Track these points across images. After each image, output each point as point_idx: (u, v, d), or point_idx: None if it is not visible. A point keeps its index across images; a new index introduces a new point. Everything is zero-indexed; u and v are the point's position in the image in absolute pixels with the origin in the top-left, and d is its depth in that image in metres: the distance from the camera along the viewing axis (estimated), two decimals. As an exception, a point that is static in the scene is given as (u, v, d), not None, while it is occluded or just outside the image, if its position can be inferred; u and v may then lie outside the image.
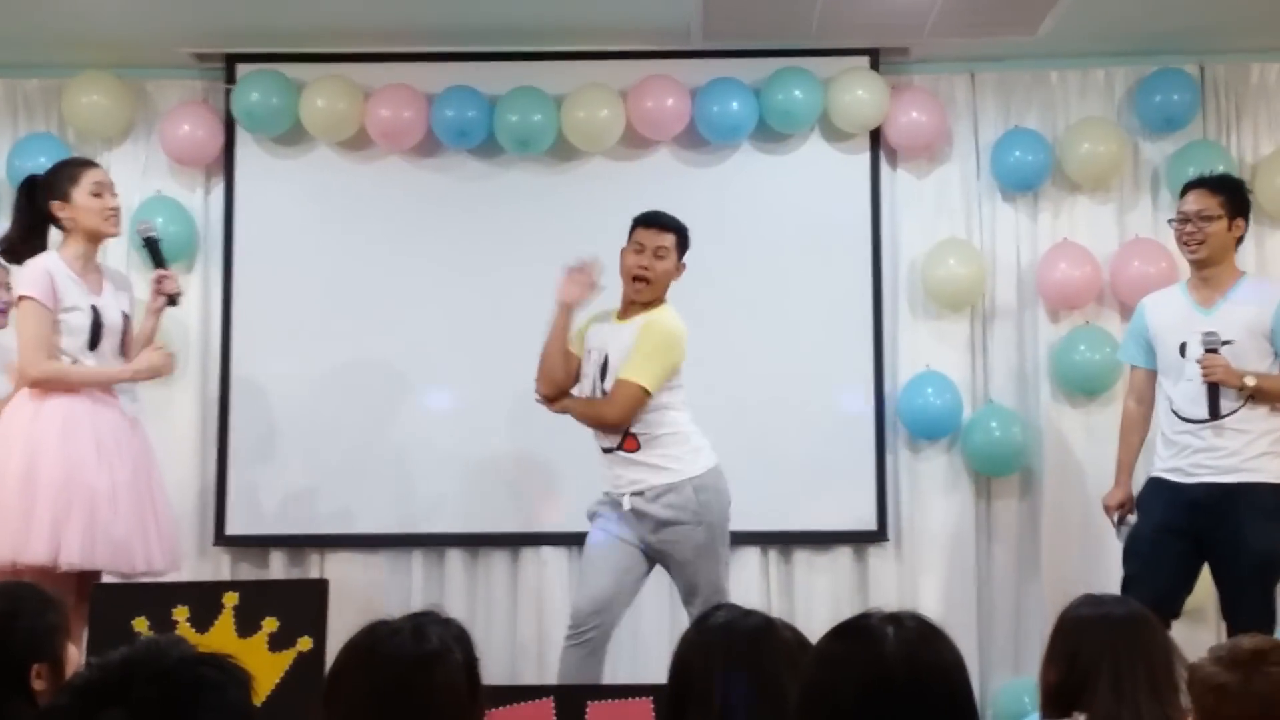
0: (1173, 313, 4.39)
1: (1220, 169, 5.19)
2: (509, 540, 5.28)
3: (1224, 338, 4.24)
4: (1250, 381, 4.17)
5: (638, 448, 4.26)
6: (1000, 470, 5.31)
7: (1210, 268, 4.33)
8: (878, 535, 5.30)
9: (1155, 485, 4.38)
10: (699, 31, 5.21)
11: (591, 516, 4.38)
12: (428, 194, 5.42)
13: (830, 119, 5.35)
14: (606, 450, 4.29)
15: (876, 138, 5.40)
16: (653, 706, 3.60)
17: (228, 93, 5.38)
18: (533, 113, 5.25)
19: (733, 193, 5.40)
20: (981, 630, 5.28)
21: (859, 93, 5.29)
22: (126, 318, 4.33)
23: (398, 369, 5.35)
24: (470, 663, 2.09)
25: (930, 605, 5.26)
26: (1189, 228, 4.31)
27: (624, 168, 5.40)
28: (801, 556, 5.34)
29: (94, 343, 4.18)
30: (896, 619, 1.70)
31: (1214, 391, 4.20)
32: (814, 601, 5.28)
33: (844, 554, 5.34)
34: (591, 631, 4.25)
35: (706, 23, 5.13)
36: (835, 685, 1.66)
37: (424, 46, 5.35)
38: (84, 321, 4.15)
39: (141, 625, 3.81)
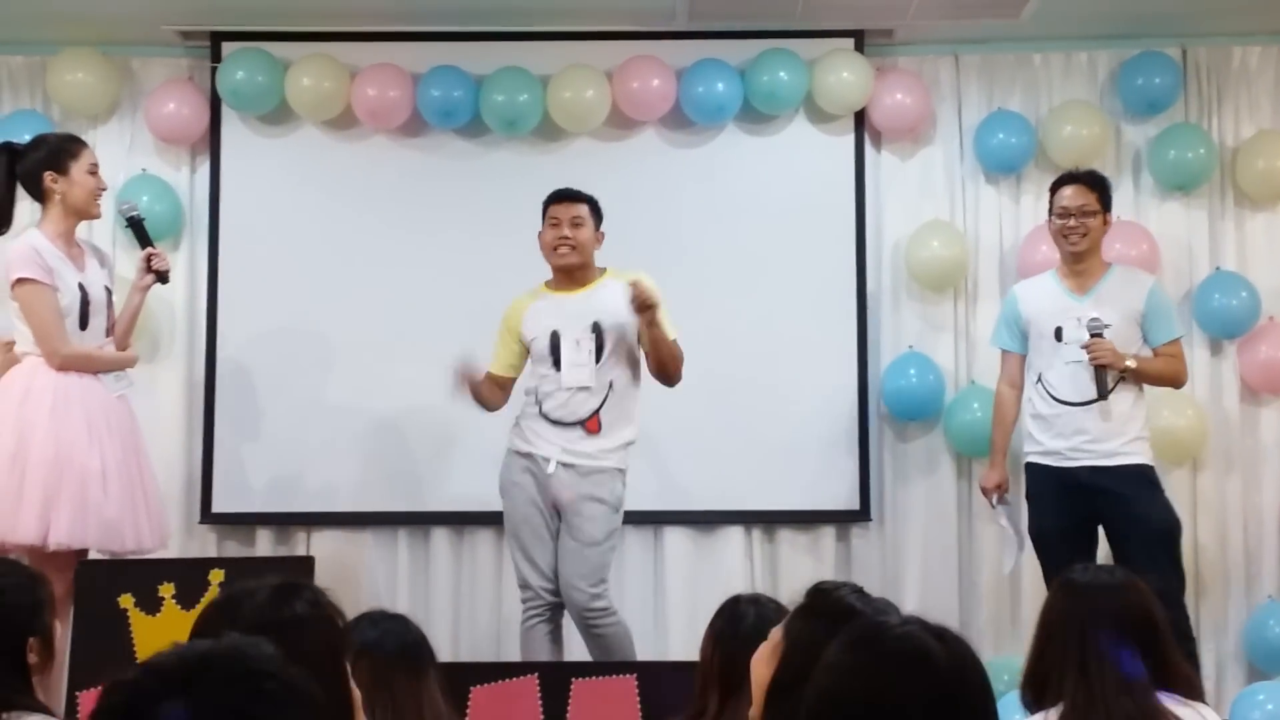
0: (1046, 299, 4.58)
1: (1202, 151, 5.27)
2: (494, 519, 5.28)
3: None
4: (1131, 364, 4.38)
5: (599, 430, 4.35)
6: (982, 451, 5.30)
7: (1086, 260, 4.54)
8: (861, 515, 5.34)
9: (1037, 473, 4.56)
10: (684, 12, 5.22)
11: (505, 485, 4.44)
12: (414, 173, 5.42)
13: (815, 100, 5.37)
14: (559, 423, 4.33)
15: (861, 119, 5.42)
16: (636, 684, 3.64)
17: (213, 71, 5.37)
18: (519, 93, 5.26)
19: (717, 174, 5.42)
20: (962, 609, 5.32)
21: (843, 74, 5.30)
22: (109, 292, 4.33)
23: (384, 347, 5.36)
24: None
25: (912, 584, 5.31)
26: (1072, 222, 4.51)
27: (609, 148, 5.41)
28: (785, 536, 5.37)
29: (84, 322, 4.18)
30: (939, 633, 1.52)
31: (1101, 373, 4.38)
32: (797, 581, 5.25)
33: (827, 534, 5.37)
34: (551, 605, 4.36)
35: (692, 4, 5.14)
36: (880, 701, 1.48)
37: (410, 26, 5.35)
38: (73, 301, 4.15)
39: (128, 602, 3.83)
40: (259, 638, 1.42)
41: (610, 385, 4.36)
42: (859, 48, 5.38)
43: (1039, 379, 4.55)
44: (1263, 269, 5.35)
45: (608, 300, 4.37)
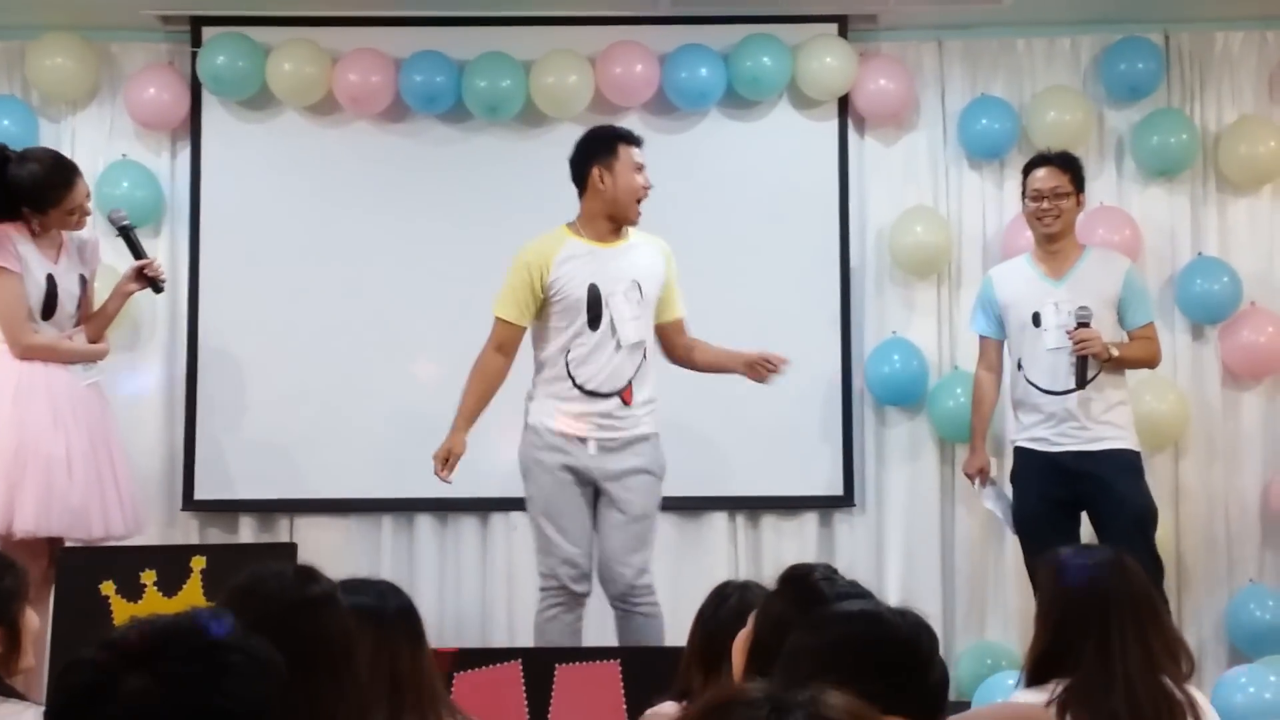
0: (1021, 284, 4.60)
1: (1184, 137, 5.29)
2: (479, 505, 5.29)
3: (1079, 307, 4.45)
4: (1115, 352, 4.41)
5: (632, 400, 4.19)
6: (965, 436, 5.32)
7: (1060, 241, 4.56)
8: (844, 501, 5.35)
9: (1024, 457, 4.59)
10: (667, -3, 5.21)
11: (530, 465, 4.18)
12: (396, 159, 5.40)
13: (798, 86, 5.36)
14: (595, 394, 4.12)
15: (844, 105, 5.41)
16: (620, 669, 3.64)
17: (193, 56, 5.34)
18: (501, 78, 5.24)
19: (701, 159, 5.41)
20: (945, 594, 5.33)
21: (827, 60, 5.30)
22: (84, 282, 4.29)
23: (366, 334, 5.34)
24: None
25: (896, 570, 5.32)
26: (1046, 204, 4.54)
27: (593, 134, 5.38)
28: (769, 522, 5.37)
29: (48, 313, 4.16)
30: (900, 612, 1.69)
31: (1082, 363, 4.40)
32: (781, 567, 5.23)
33: (811, 519, 5.38)
34: (574, 594, 4.15)
35: (675, -12, 5.13)
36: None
37: (392, 10, 5.33)
38: (38, 292, 4.13)
39: (109, 589, 3.82)
40: (223, 610, 1.41)
41: (644, 351, 4.21)
42: (842, 33, 5.38)
43: (1019, 365, 4.57)
44: (1245, 254, 5.36)
45: (641, 262, 4.22)
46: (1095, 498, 4.44)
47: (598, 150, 4.25)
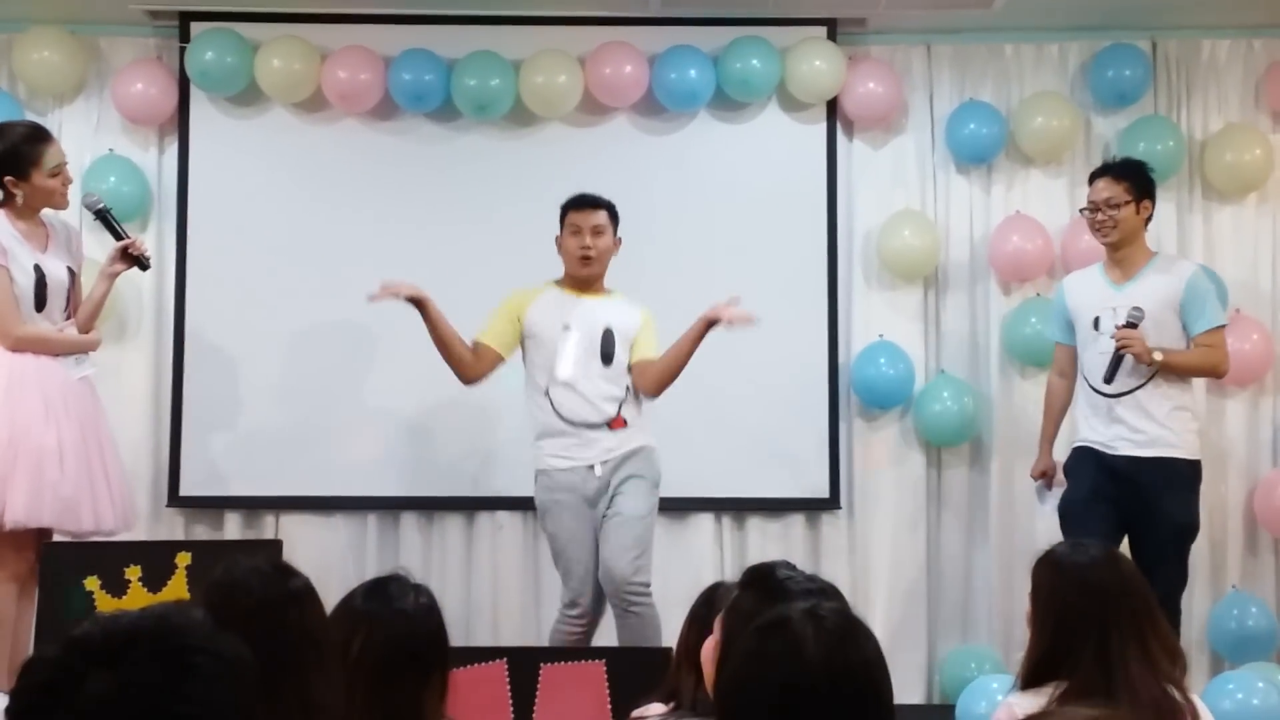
0: (1089, 291, 4.60)
1: (1171, 144, 5.31)
2: (464, 504, 5.29)
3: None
4: (1158, 356, 4.37)
5: (624, 426, 4.40)
6: (951, 440, 5.37)
7: (1124, 249, 4.54)
8: (830, 503, 5.35)
9: (1081, 453, 4.57)
10: (658, -1, 5.22)
11: (549, 506, 4.40)
12: (384, 157, 5.39)
13: (787, 89, 5.37)
14: (588, 425, 4.36)
15: (833, 108, 5.42)
16: (605, 669, 3.63)
17: (182, 51, 5.32)
18: (491, 77, 5.24)
19: (689, 161, 5.41)
20: (931, 597, 5.35)
21: (816, 63, 5.31)
22: (72, 273, 4.27)
23: (353, 331, 5.32)
24: None
25: (881, 573, 5.33)
26: (1100, 216, 4.52)
27: (581, 134, 5.39)
28: (755, 523, 5.38)
29: (40, 304, 4.13)
30: (817, 615, 1.63)
31: (1116, 361, 4.38)
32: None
33: (797, 521, 5.38)
34: (596, 615, 4.39)
35: (666, -10, 5.13)
36: (756, 685, 1.61)
37: (382, 8, 5.32)
38: (27, 283, 4.10)
39: (94, 584, 3.80)
40: (189, 605, 1.39)
41: (627, 389, 4.43)
42: (832, 36, 5.39)
43: (1083, 371, 4.57)
44: (1229, 262, 5.39)
45: (617, 313, 4.46)
46: (1137, 506, 4.40)
47: (560, 220, 4.49)
